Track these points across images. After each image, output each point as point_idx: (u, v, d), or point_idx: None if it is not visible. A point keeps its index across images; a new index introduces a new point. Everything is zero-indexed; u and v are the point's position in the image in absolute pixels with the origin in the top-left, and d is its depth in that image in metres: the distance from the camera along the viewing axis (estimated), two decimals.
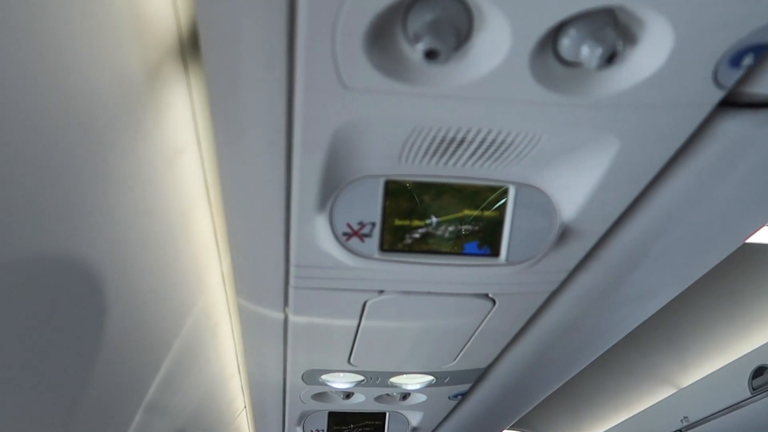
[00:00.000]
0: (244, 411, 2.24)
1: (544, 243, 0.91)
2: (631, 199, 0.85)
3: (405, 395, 1.74)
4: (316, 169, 0.75)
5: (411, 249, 0.91)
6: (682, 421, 2.32)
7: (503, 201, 0.88)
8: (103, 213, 0.77)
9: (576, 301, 1.18)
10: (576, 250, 0.97)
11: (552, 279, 1.06)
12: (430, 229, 0.90)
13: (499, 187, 0.87)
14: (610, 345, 1.49)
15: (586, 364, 1.62)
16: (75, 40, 0.59)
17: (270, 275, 1.05)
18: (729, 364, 2.15)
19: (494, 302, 1.13)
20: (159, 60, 0.75)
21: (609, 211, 0.88)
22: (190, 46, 0.78)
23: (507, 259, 0.92)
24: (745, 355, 2.10)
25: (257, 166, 0.77)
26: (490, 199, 0.88)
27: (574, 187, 0.83)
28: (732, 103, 0.68)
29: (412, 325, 1.22)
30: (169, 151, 0.87)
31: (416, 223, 0.89)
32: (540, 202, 0.87)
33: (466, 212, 0.89)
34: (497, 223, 0.91)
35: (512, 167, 0.82)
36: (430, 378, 1.61)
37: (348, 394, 1.74)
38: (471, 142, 0.74)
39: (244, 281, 1.15)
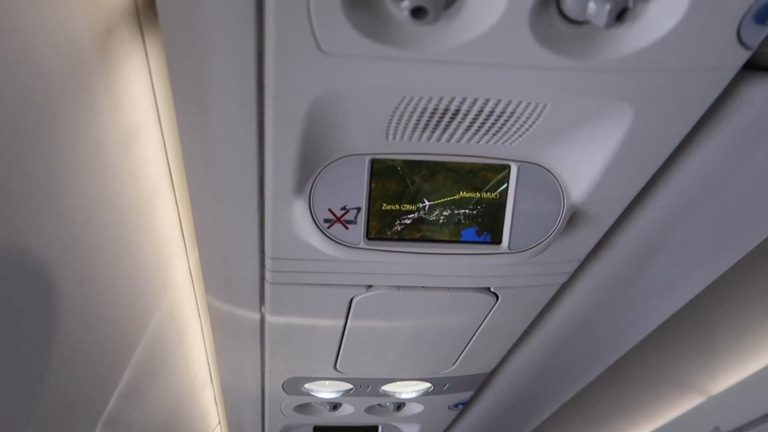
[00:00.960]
0: (219, 427, 2.25)
1: (550, 228, 0.92)
2: (647, 178, 0.86)
3: (399, 405, 1.75)
4: (292, 147, 0.75)
5: (401, 237, 0.91)
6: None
7: (504, 181, 0.89)
8: (50, 201, 0.76)
9: (589, 295, 1.19)
10: (587, 237, 0.98)
11: (561, 270, 1.06)
12: (422, 214, 0.90)
13: (500, 166, 0.87)
14: (629, 347, 1.50)
15: (603, 368, 1.63)
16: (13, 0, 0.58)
17: (243, 270, 1.05)
18: (765, 368, 2.16)
19: (497, 297, 1.13)
20: (111, 26, 0.75)
21: (623, 192, 0.89)
22: (145, 10, 0.77)
23: (510, 246, 0.93)
24: None
25: (225, 145, 0.77)
26: (489, 179, 0.88)
27: (584, 164, 0.83)
28: (759, 66, 0.68)
29: (405, 324, 1.23)
30: (125, 130, 0.86)
31: (407, 207, 0.90)
32: (545, 182, 0.88)
33: (463, 195, 0.90)
34: (498, 207, 0.91)
35: (514, 143, 0.82)
36: (427, 385, 1.61)
37: (335, 405, 1.73)
38: (466, 114, 0.74)
39: (214, 277, 1.15)
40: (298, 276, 1.02)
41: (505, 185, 0.89)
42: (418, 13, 0.56)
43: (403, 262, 0.96)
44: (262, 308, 1.16)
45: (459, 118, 0.76)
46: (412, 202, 0.89)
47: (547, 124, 0.77)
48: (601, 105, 0.72)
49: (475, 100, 0.72)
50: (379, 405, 1.75)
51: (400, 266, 1.01)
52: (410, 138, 0.80)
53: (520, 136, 0.81)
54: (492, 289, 1.11)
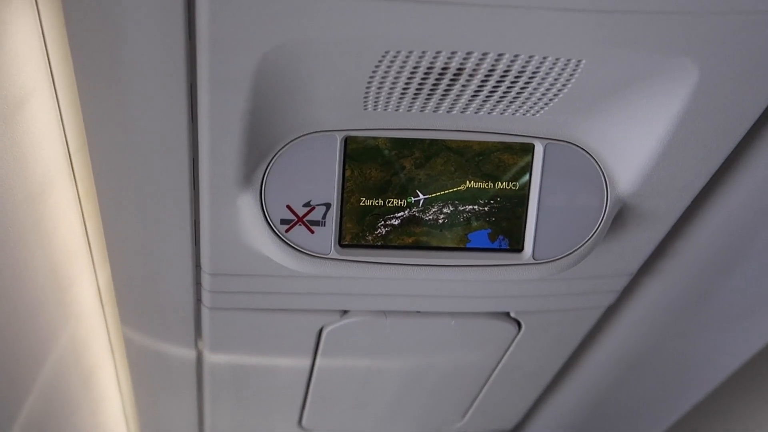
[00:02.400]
0: None
1: (590, 231, 0.92)
2: (719, 162, 0.86)
3: None
4: (236, 121, 0.75)
5: (387, 243, 0.92)
6: None
7: (526, 167, 0.88)
8: None
9: (645, 322, 1.18)
10: (640, 243, 0.97)
11: (605, 288, 1.06)
12: (415, 212, 0.90)
13: (520, 146, 0.87)
14: (705, 392, 1.50)
15: (668, 424, 1.62)
16: None
17: (171, 291, 1.04)
18: None
19: (519, 326, 1.12)
20: None
21: (687, 181, 0.88)
22: None
23: (534, 255, 0.93)
24: None
25: (143, 118, 0.77)
26: (506, 164, 0.88)
27: (633, 142, 0.83)
28: None
29: (394, 363, 1.22)
30: (7, 100, 0.86)
31: (394, 203, 0.90)
32: (582, 166, 0.88)
33: (471, 185, 0.90)
34: (518, 202, 0.91)
35: (538, 114, 0.82)
36: None
37: None
38: (473, 74, 0.74)
39: (130, 302, 1.15)
40: (246, 299, 1.02)
41: (527, 172, 0.89)
42: None
43: (389, 278, 0.95)
44: (199, 343, 1.15)
45: (463, 79, 0.75)
46: (401, 196, 0.89)
47: (582, 89, 0.77)
48: (655, 62, 0.72)
49: (485, 54, 0.72)
50: None
51: (385, 284, 1.01)
52: (397, 107, 0.80)
53: (546, 104, 0.80)
54: (512, 315, 1.11)
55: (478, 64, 0.74)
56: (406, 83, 0.77)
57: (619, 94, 0.79)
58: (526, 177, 0.90)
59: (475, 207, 0.91)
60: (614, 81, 0.77)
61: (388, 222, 0.91)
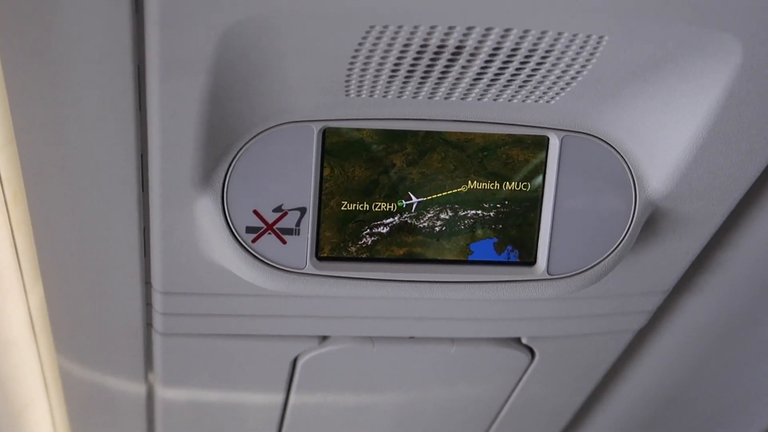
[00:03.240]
0: None
1: (615, 240, 0.92)
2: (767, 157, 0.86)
3: None
4: (193, 111, 0.75)
5: (373, 256, 0.92)
6: None
7: (540, 164, 0.89)
8: None
9: (684, 349, 1.18)
10: (676, 254, 0.98)
11: (635, 307, 1.06)
12: (407, 217, 0.91)
13: (533, 139, 0.87)
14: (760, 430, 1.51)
15: None
16: None
17: (116, 314, 1.04)
18: None
19: (532, 354, 1.12)
20: None
21: (731, 179, 0.89)
22: None
23: (550, 270, 0.93)
24: None
25: (81, 109, 0.77)
26: (516, 160, 0.88)
27: (665, 135, 0.84)
28: None
29: (382, 400, 1.22)
30: None
31: (382, 207, 0.90)
32: (606, 163, 0.88)
33: (474, 186, 0.90)
34: (530, 206, 0.91)
35: (553, 101, 0.82)
36: None
37: None
38: (475, 54, 0.74)
39: (67, 326, 1.14)
40: (206, 322, 1.01)
41: (540, 170, 0.89)
42: None
43: (376, 298, 0.95)
44: (150, 376, 1.15)
45: (463, 60, 0.75)
46: (390, 199, 0.89)
47: (604, 71, 0.77)
48: (690, 38, 0.73)
49: (488, 30, 0.72)
50: None
51: (372, 304, 1.01)
52: (385, 93, 0.81)
53: (562, 89, 0.81)
54: (524, 341, 1.11)
55: (480, 42, 0.74)
56: (396, 64, 0.77)
57: (649, 78, 0.79)
58: (540, 176, 0.90)
59: (479, 212, 0.91)
60: (642, 62, 0.77)
61: (375, 230, 0.91)
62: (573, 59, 0.77)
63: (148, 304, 1.01)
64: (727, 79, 0.77)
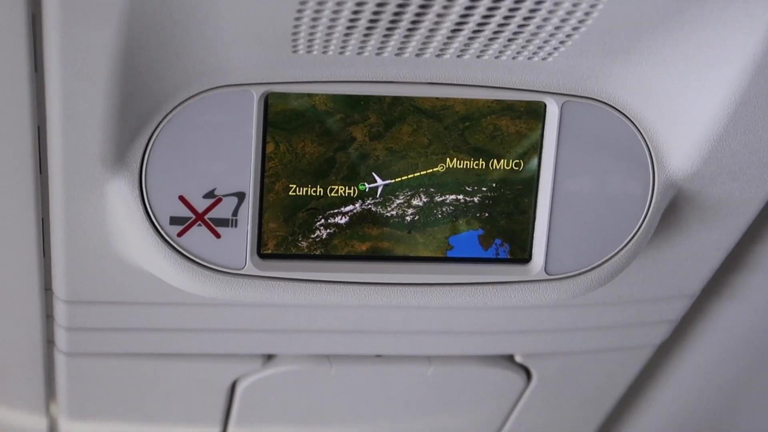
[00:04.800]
0: None
1: (629, 231, 0.88)
2: None
3: None
4: (102, 71, 0.71)
5: (328, 252, 0.88)
6: None
7: (535, 138, 0.85)
8: None
9: (716, 366, 1.15)
10: (704, 250, 0.93)
11: (655, 317, 1.02)
12: (371, 204, 0.86)
13: (525, 105, 0.84)
14: None
15: None
16: None
17: (8, 330, 0.99)
18: None
19: (528, 375, 1.09)
20: None
21: None
22: None
23: (548, 269, 0.89)
24: None
25: None
26: (505, 133, 0.85)
27: (688, 101, 0.80)
28: None
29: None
30: None
31: (338, 191, 0.86)
32: (615, 136, 0.85)
33: (452, 165, 0.86)
34: (523, 190, 0.86)
35: (550, 58, 0.79)
36: None
37: None
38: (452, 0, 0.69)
39: None
40: (120, 339, 0.98)
41: (536, 145, 0.86)
42: None
43: (334, 306, 0.92)
44: (52, 407, 1.10)
45: (438, 6, 0.70)
46: (349, 181, 0.86)
47: (613, 20, 0.73)
48: None
49: None
50: None
51: (328, 314, 0.96)
52: (341, 50, 0.76)
53: (561, 43, 0.76)
54: (518, 359, 1.06)
55: None
56: (355, 12, 0.70)
57: (669, 27, 0.75)
58: (535, 152, 0.87)
59: (460, 197, 0.88)
60: (659, 10, 0.73)
61: (331, 220, 0.88)
62: (574, 5, 0.70)
63: (48, 317, 0.99)
64: (763, 33, 0.73)
